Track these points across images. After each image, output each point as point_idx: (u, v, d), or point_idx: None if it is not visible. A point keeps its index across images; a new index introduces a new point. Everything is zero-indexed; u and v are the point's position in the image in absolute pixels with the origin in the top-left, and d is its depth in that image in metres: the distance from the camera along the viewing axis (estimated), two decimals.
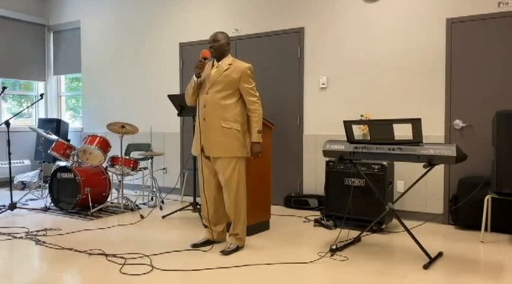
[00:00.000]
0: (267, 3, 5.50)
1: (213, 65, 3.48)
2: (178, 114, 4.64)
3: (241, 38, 5.68)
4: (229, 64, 3.44)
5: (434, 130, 4.52)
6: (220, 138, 3.35)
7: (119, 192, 5.18)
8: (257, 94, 3.44)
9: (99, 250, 3.50)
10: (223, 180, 3.43)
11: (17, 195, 5.92)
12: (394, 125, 3.26)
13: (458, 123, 4.42)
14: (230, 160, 3.39)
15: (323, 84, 5.14)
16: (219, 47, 3.44)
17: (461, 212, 4.20)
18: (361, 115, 4.83)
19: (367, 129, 3.43)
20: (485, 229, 3.89)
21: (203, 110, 3.41)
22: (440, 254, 3.39)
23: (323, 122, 5.17)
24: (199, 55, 3.43)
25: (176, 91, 6.17)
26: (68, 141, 6.47)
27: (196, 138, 3.50)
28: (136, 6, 6.65)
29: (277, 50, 5.44)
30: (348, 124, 3.42)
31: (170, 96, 4.64)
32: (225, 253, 3.40)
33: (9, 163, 4.87)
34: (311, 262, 3.23)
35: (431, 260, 3.19)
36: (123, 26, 6.82)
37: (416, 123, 3.11)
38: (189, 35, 6.15)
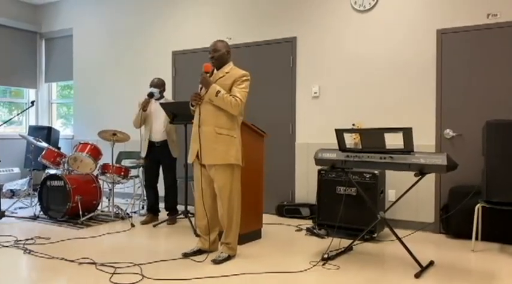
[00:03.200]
0: (260, 13, 5.54)
1: (212, 73, 3.46)
2: (171, 122, 4.64)
3: (235, 46, 5.70)
4: (227, 72, 3.42)
5: (425, 140, 4.56)
6: (215, 145, 3.33)
7: (109, 200, 5.13)
8: (243, 97, 3.34)
9: (89, 258, 3.46)
10: (217, 187, 3.41)
11: (6, 203, 5.84)
12: (386, 134, 3.27)
13: (449, 132, 4.46)
14: (225, 167, 3.37)
15: (315, 92, 5.16)
16: (219, 56, 3.42)
17: (452, 221, 4.22)
18: (353, 124, 4.86)
19: (359, 137, 3.45)
20: (476, 238, 3.91)
21: (198, 118, 3.40)
22: (431, 263, 3.40)
23: (315, 131, 5.18)
24: (202, 68, 3.38)
25: (169, 99, 6.15)
26: (59, 148, 6.41)
27: (191, 145, 3.49)
28: (130, 14, 6.66)
29: (269, 58, 5.47)
30: (339, 133, 3.43)
31: (162, 104, 4.64)
32: (216, 262, 3.37)
33: None
34: (303, 271, 3.22)
35: (422, 269, 3.19)
36: (115, 33, 6.81)
37: (407, 132, 3.13)
38: (182, 43, 6.16)
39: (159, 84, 4.85)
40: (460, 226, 4.16)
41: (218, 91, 3.27)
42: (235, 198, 3.45)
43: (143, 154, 4.83)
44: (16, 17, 7.40)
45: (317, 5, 5.15)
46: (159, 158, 4.82)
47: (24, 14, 7.54)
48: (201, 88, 3.42)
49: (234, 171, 3.42)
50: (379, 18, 4.80)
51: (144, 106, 4.71)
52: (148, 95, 4.72)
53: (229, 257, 3.47)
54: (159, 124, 4.78)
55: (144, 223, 4.80)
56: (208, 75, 3.38)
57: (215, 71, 3.46)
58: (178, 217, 4.88)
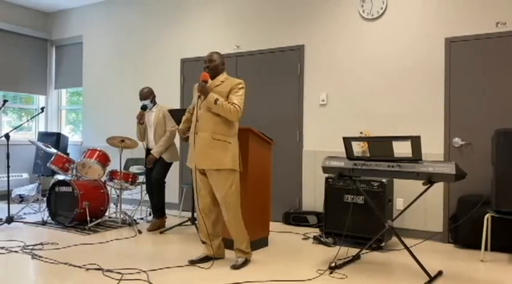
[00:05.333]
0: (268, 21, 5.57)
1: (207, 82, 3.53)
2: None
3: (242, 54, 5.74)
4: (222, 81, 3.52)
5: (433, 148, 4.53)
6: (211, 149, 3.38)
7: (117, 206, 5.15)
8: (240, 104, 3.41)
9: (96, 264, 3.47)
10: (220, 196, 3.43)
11: (15, 208, 5.89)
12: (394, 142, 3.26)
13: (458, 141, 4.43)
14: (226, 175, 3.40)
15: (323, 100, 5.16)
16: (214, 67, 3.53)
17: (461, 230, 4.18)
18: (361, 132, 4.85)
19: (367, 145, 3.44)
20: (485, 248, 3.86)
21: (195, 124, 3.46)
22: (440, 273, 3.36)
23: (322, 138, 5.18)
24: (200, 77, 3.45)
25: (177, 106, 6.20)
26: (67, 154, 6.46)
27: (189, 152, 3.54)
28: (139, 22, 6.73)
29: (277, 66, 5.49)
30: (347, 141, 3.43)
31: (171, 111, 4.66)
32: (235, 267, 3.43)
33: (8, 176, 4.86)
34: (310, 279, 3.20)
35: (431, 279, 3.16)
36: (125, 41, 6.88)
37: (415, 141, 3.12)
38: (190, 51, 6.21)
39: (148, 94, 4.83)
40: (469, 235, 4.12)
41: (217, 99, 3.36)
42: (238, 203, 3.49)
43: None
44: (27, 25, 7.51)
45: (325, 13, 5.17)
46: (154, 164, 4.80)
47: (35, 22, 7.65)
48: (199, 97, 3.47)
49: (234, 177, 3.46)
50: (387, 27, 4.80)
51: (140, 119, 4.75)
52: (142, 108, 4.78)
53: (246, 262, 3.53)
54: (152, 132, 4.82)
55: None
56: (205, 84, 3.45)
57: (210, 80, 3.52)
58: (184, 224, 4.85)
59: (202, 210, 3.53)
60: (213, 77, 3.53)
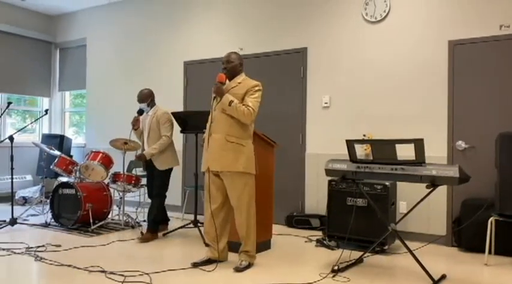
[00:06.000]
0: (271, 23, 5.58)
1: (224, 83, 3.53)
2: (181, 131, 4.67)
3: (245, 56, 5.73)
4: (239, 82, 3.51)
5: (436, 151, 4.52)
6: (224, 152, 3.39)
7: (119, 208, 5.15)
8: (255, 107, 3.40)
9: (99, 267, 3.47)
10: (234, 198, 3.43)
11: (18, 210, 5.90)
12: (397, 145, 3.25)
13: (461, 144, 4.42)
14: (240, 178, 3.41)
15: (326, 103, 5.16)
16: (232, 67, 3.52)
17: (465, 234, 4.16)
18: (364, 135, 4.84)
19: (370, 148, 3.43)
20: (489, 252, 3.84)
21: (210, 126, 3.46)
22: (443, 277, 3.35)
23: (325, 141, 5.17)
24: (216, 78, 3.45)
25: (180, 109, 6.21)
26: (71, 156, 6.48)
27: (203, 154, 3.53)
28: (142, 25, 6.75)
29: (280, 69, 5.49)
30: (350, 144, 3.42)
31: (174, 114, 4.67)
32: (238, 270, 3.41)
33: (12, 178, 4.87)
34: (313, 282, 3.19)
35: (434, 283, 3.15)
36: (128, 43, 6.90)
37: (418, 143, 3.11)
38: (193, 53, 6.22)
39: (146, 96, 4.61)
40: (473, 239, 4.10)
41: (231, 101, 3.35)
42: (252, 207, 3.50)
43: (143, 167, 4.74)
44: (32, 28, 7.55)
45: (328, 15, 5.18)
46: (152, 169, 4.62)
47: (39, 25, 7.69)
48: (214, 98, 3.47)
49: (248, 180, 3.46)
50: (391, 29, 4.80)
51: (134, 124, 4.56)
52: (138, 112, 4.59)
53: (249, 265, 3.51)
54: (146, 136, 4.63)
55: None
56: (221, 85, 3.44)
57: (227, 81, 3.52)
58: (187, 226, 4.85)
59: (213, 212, 3.53)
60: (230, 78, 3.53)
